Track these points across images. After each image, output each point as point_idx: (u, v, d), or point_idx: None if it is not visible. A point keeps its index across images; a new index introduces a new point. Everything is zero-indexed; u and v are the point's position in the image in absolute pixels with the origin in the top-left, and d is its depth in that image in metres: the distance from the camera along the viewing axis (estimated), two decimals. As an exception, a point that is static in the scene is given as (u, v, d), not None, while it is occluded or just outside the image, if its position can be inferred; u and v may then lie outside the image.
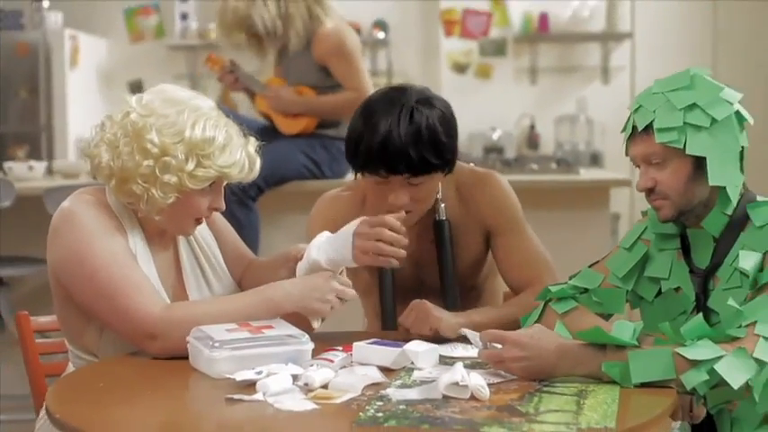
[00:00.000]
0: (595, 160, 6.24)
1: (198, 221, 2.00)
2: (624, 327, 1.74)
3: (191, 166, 1.88)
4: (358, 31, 4.34)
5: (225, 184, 1.99)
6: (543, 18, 6.51)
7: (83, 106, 6.11)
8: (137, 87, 4.88)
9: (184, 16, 6.56)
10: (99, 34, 6.50)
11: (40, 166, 4.36)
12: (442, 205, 2.18)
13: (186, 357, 1.83)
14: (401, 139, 2.00)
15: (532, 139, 6.50)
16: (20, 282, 4.21)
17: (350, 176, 3.33)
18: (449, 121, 2.07)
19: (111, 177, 1.93)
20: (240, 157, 1.93)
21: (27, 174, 4.25)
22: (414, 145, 2.00)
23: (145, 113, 1.90)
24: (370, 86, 3.78)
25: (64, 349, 2.08)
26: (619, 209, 5.64)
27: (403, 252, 1.92)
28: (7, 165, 4.35)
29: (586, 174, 4.43)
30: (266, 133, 3.95)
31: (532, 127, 6.52)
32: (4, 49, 5.94)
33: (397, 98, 2.05)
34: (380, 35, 6.54)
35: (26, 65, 5.96)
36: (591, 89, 6.61)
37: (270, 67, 4.15)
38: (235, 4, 3.84)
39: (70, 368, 2.03)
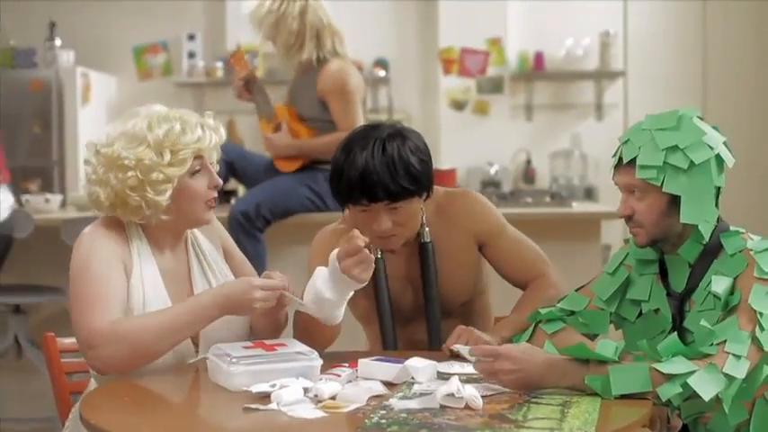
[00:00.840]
0: (589, 194, 6.31)
1: (208, 205, 2.16)
2: (607, 345, 1.87)
3: (167, 158, 2.08)
4: (360, 69, 4.43)
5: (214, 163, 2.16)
6: (538, 57, 6.62)
7: (93, 141, 6.22)
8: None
9: (192, 55, 6.68)
10: (109, 72, 6.60)
11: (56, 199, 4.43)
12: (426, 229, 2.34)
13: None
14: (376, 169, 2.17)
15: (528, 174, 6.57)
16: (36, 309, 4.30)
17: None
18: (420, 150, 2.23)
19: (114, 207, 2.11)
20: (202, 132, 2.13)
21: (44, 206, 4.32)
22: (388, 173, 2.17)
23: (110, 143, 2.11)
24: None
25: (83, 369, 2.22)
26: (610, 240, 5.64)
27: (371, 259, 2.06)
28: (24, 197, 4.41)
29: (579, 207, 4.50)
30: (273, 168, 4.13)
31: (528, 162, 6.60)
32: (18, 85, 6.04)
33: (370, 134, 2.22)
34: (381, 73, 6.63)
35: (39, 101, 6.05)
36: (585, 125, 6.71)
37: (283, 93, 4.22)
38: (270, 6, 3.94)
39: (92, 384, 2.17)
